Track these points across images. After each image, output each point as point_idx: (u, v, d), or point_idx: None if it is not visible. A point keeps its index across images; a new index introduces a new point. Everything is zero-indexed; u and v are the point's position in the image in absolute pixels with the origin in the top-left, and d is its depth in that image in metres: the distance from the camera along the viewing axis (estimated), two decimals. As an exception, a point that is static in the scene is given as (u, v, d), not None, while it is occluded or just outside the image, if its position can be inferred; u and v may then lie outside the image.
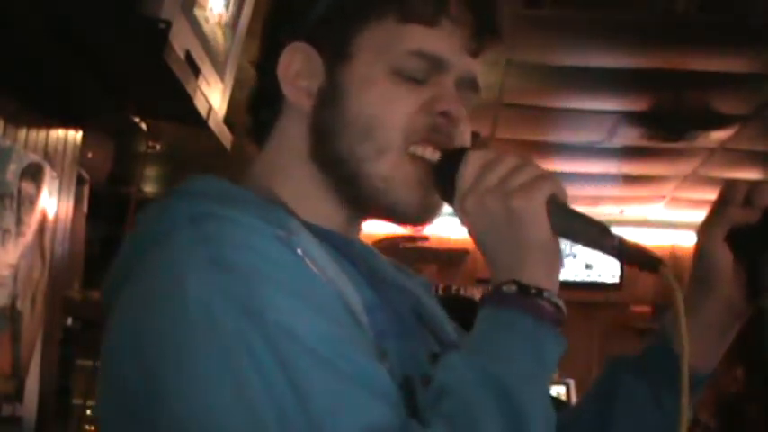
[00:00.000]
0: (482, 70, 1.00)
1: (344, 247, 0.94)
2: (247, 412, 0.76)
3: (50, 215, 2.84)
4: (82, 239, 4.66)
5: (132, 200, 4.31)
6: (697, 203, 6.77)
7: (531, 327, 0.84)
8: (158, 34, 1.96)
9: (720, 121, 5.00)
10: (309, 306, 0.81)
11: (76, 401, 4.90)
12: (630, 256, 0.87)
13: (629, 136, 5.48)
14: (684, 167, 6.09)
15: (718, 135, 5.24)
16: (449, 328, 1.03)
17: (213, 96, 2.55)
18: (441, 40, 0.94)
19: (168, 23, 1.97)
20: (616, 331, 7.63)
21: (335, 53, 0.95)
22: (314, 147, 0.96)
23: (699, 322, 0.97)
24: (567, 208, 0.88)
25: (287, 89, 0.97)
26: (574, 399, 6.12)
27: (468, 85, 0.98)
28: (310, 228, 0.90)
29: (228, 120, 2.76)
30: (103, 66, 2.31)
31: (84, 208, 4.55)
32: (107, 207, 5.27)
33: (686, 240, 7.49)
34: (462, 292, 7.10)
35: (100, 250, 5.69)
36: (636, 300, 7.76)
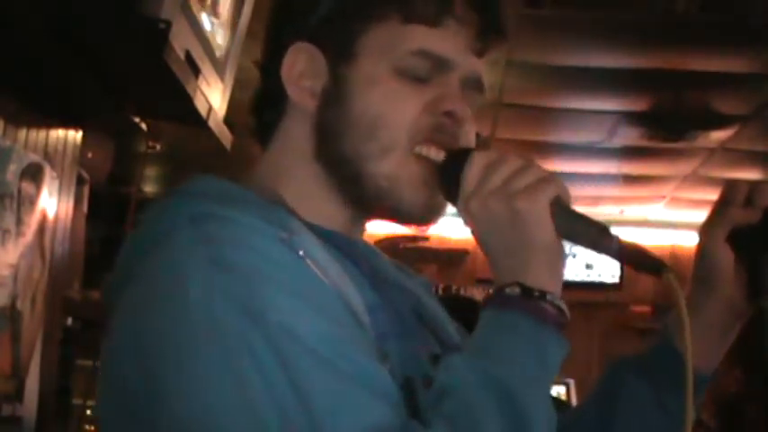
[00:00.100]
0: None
1: (347, 248, 0.94)
2: (248, 412, 0.76)
3: (50, 215, 2.84)
4: (82, 239, 4.66)
5: (132, 200, 4.31)
6: (697, 203, 6.77)
7: (534, 329, 0.84)
8: (158, 34, 1.96)
9: (720, 121, 5.00)
10: (310, 306, 0.81)
11: (76, 401, 4.90)
12: (634, 259, 0.87)
13: (629, 136, 5.47)
14: (684, 167, 6.09)
15: (718, 135, 5.24)
16: (450, 328, 1.03)
17: (213, 96, 2.55)
18: (445, 40, 0.94)
19: (168, 23, 1.97)
20: (616, 331, 7.63)
21: (339, 53, 0.95)
22: (318, 147, 0.96)
23: (701, 323, 0.97)
24: (571, 210, 0.87)
25: (291, 89, 0.97)
26: (574, 399, 6.12)
27: (473, 84, 0.98)
28: (313, 228, 0.90)
29: (228, 120, 2.76)
30: (103, 66, 2.31)
31: (84, 208, 4.55)
32: (107, 207, 5.27)
33: (686, 240, 7.49)
34: (462, 292, 7.10)
35: (100, 250, 5.69)
36: (636, 300, 7.75)
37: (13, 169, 2.55)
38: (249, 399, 0.76)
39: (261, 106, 1.02)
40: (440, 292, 6.79)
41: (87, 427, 5.14)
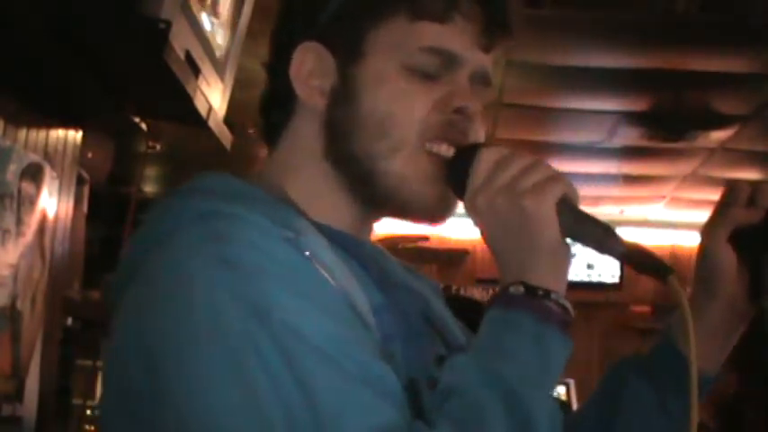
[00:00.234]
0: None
1: (354, 248, 0.94)
2: (254, 411, 0.76)
3: (50, 215, 2.84)
4: (82, 239, 4.66)
5: (132, 200, 4.31)
6: (697, 203, 6.77)
7: (538, 328, 0.84)
8: (158, 34, 1.96)
9: (720, 121, 5.00)
10: (316, 306, 0.81)
11: (76, 401, 4.90)
12: (638, 261, 0.87)
13: (629, 136, 5.48)
14: (684, 167, 6.09)
15: (718, 135, 5.24)
16: (456, 329, 1.03)
17: (213, 96, 2.55)
18: (453, 37, 0.94)
19: (168, 23, 1.97)
20: (616, 331, 7.63)
21: (348, 52, 0.95)
22: (328, 145, 0.96)
23: (703, 324, 0.97)
24: (578, 210, 0.87)
25: (300, 89, 0.96)
26: (574, 399, 6.12)
27: (480, 80, 0.98)
28: (320, 228, 0.90)
29: (228, 120, 2.76)
30: (103, 66, 2.31)
31: (84, 208, 4.55)
32: (107, 207, 5.27)
33: (686, 240, 7.50)
34: (462, 292, 7.09)
35: (100, 250, 5.69)
36: (636, 300, 7.75)
37: (13, 169, 2.55)
38: (254, 398, 0.76)
39: (269, 106, 1.02)
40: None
41: (87, 427, 5.13)
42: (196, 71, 2.31)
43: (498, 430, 0.78)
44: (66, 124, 2.95)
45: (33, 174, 2.70)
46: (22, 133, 2.64)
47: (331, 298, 0.83)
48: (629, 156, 5.95)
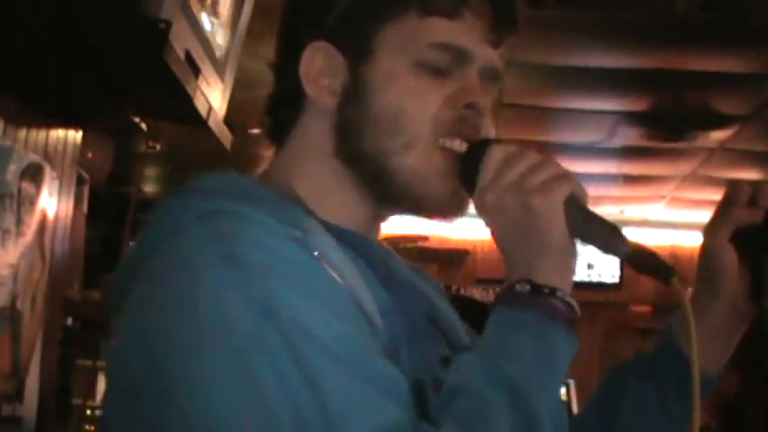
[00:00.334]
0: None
1: (362, 248, 0.94)
2: (261, 411, 0.75)
3: (50, 215, 2.84)
4: (82, 239, 4.66)
5: (132, 200, 4.31)
6: (697, 203, 6.77)
7: (543, 326, 0.84)
8: (158, 34, 1.96)
9: (720, 121, 5.01)
10: (324, 306, 0.80)
11: (76, 401, 4.90)
12: (642, 263, 0.87)
13: (629, 136, 5.48)
14: (684, 167, 6.09)
15: (718, 135, 5.25)
16: (461, 330, 1.02)
17: (213, 96, 2.55)
18: (463, 32, 0.94)
19: (168, 23, 1.97)
20: (616, 331, 7.64)
21: (358, 51, 0.95)
22: (339, 144, 0.96)
23: (705, 324, 0.96)
24: (585, 209, 0.87)
25: (310, 88, 0.96)
26: (574, 398, 6.12)
27: (490, 75, 0.98)
28: (329, 227, 0.90)
29: (228, 120, 2.76)
30: (103, 66, 2.31)
31: (84, 208, 4.55)
32: (107, 207, 5.27)
33: (686, 240, 7.50)
34: (462, 292, 7.10)
35: (100, 250, 5.70)
36: (636, 300, 7.76)
37: (13, 169, 2.55)
38: (261, 397, 0.75)
39: (276, 106, 1.02)
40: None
41: (87, 427, 5.13)
42: (196, 71, 2.31)
43: (503, 429, 0.78)
44: (66, 124, 2.95)
45: (33, 174, 2.70)
46: (22, 133, 2.64)
47: (339, 298, 0.83)
48: (629, 156, 5.95)
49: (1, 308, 2.53)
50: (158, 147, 4.83)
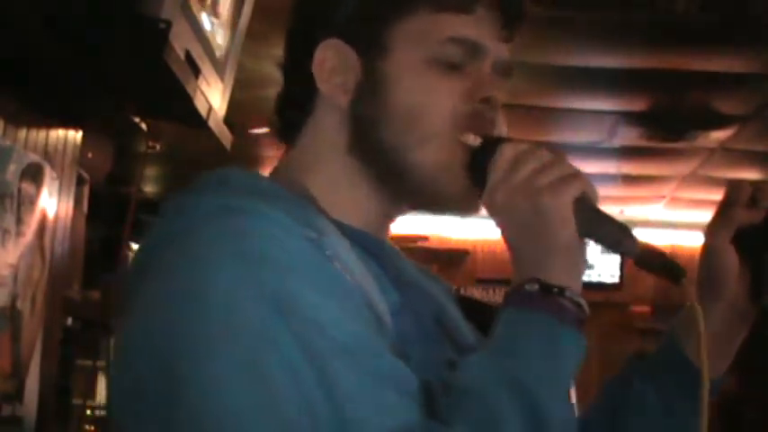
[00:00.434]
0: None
1: (374, 248, 0.94)
2: (274, 410, 0.75)
3: (50, 215, 2.84)
4: (82, 239, 4.66)
5: (132, 200, 4.31)
6: (697, 203, 6.77)
7: (552, 326, 0.84)
8: (158, 34, 1.96)
9: (720, 121, 5.00)
10: (337, 305, 0.80)
11: (76, 401, 4.90)
12: (653, 263, 0.87)
13: (628, 136, 5.48)
14: (684, 167, 6.09)
15: (718, 135, 5.24)
16: (467, 332, 1.02)
17: (213, 96, 2.55)
18: (475, 27, 0.94)
19: (168, 23, 1.97)
20: (616, 331, 7.63)
21: (372, 47, 0.95)
22: (353, 140, 0.96)
23: (708, 326, 0.96)
24: (595, 209, 0.87)
25: (323, 86, 0.96)
26: (573, 398, 6.12)
27: (502, 70, 0.98)
28: (341, 226, 0.90)
29: (228, 120, 2.76)
30: (103, 66, 2.31)
31: (84, 208, 4.55)
32: (107, 207, 5.26)
33: (686, 240, 7.50)
34: (462, 291, 7.09)
35: (100, 250, 5.69)
36: (636, 300, 7.76)
37: (13, 169, 2.55)
38: (274, 396, 0.75)
39: (287, 105, 1.01)
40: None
41: (87, 427, 5.13)
42: (196, 71, 2.31)
43: (513, 429, 0.78)
44: (66, 124, 2.96)
45: (33, 174, 2.70)
46: (22, 133, 2.65)
47: (351, 298, 0.83)
48: (629, 156, 5.95)
49: (1, 308, 2.53)
50: (158, 147, 4.82)
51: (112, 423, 0.87)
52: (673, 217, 7.52)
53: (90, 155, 3.79)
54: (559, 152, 0.89)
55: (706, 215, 1.01)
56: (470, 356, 0.85)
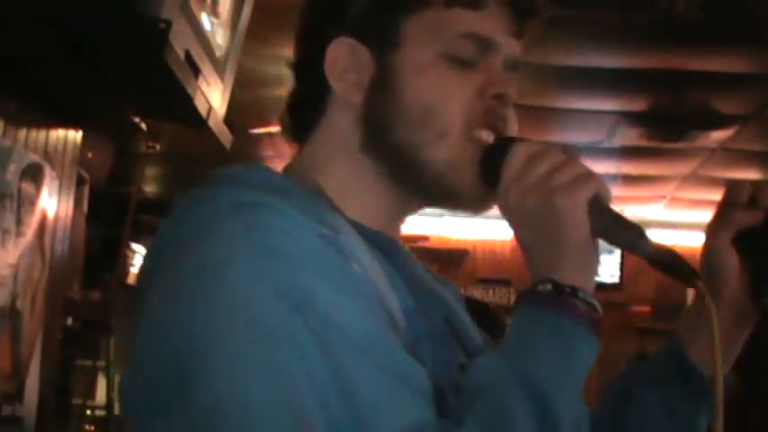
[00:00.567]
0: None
1: (388, 248, 0.94)
2: (289, 405, 0.74)
3: (50, 215, 2.84)
4: (82, 239, 4.66)
5: (132, 200, 4.31)
6: (697, 203, 6.77)
7: (565, 327, 0.84)
8: (158, 34, 1.96)
9: (720, 121, 5.00)
10: (352, 302, 0.80)
11: (76, 401, 4.90)
12: (667, 264, 0.87)
13: (629, 136, 5.48)
14: (684, 167, 6.09)
15: (718, 135, 5.24)
16: (476, 335, 1.02)
17: (213, 96, 2.55)
18: (488, 23, 0.94)
19: (168, 23, 1.97)
20: (616, 331, 7.63)
21: (384, 44, 0.94)
22: (367, 138, 0.95)
23: (709, 326, 0.96)
24: (608, 209, 0.87)
25: (336, 84, 0.96)
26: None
27: (512, 66, 0.98)
28: (355, 226, 0.90)
29: (228, 120, 2.76)
30: (103, 66, 2.31)
31: (84, 208, 4.56)
32: (107, 207, 5.27)
33: (686, 240, 7.50)
34: (462, 291, 7.09)
35: (100, 250, 5.70)
36: (636, 300, 7.76)
37: (13, 169, 2.56)
38: (290, 391, 0.75)
39: (299, 103, 1.01)
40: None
41: (87, 426, 5.14)
42: (196, 71, 2.31)
43: (525, 429, 0.77)
44: (66, 124, 2.96)
45: (33, 174, 2.70)
46: (22, 133, 2.65)
47: (365, 296, 0.83)
48: (629, 156, 5.95)
49: (1, 308, 2.53)
50: (158, 147, 4.82)
51: (126, 416, 0.87)
52: (673, 217, 7.52)
53: (90, 155, 3.79)
54: (573, 152, 0.88)
55: (706, 215, 1.01)
56: (481, 357, 0.85)
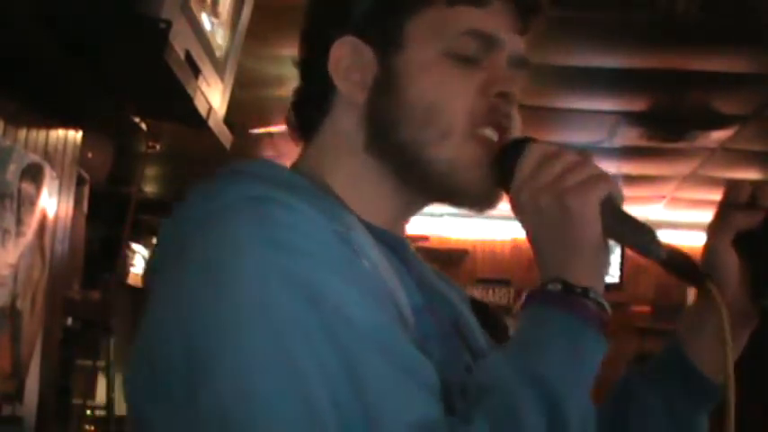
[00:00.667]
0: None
1: (396, 246, 0.94)
2: (300, 397, 0.75)
3: (50, 215, 2.84)
4: (82, 239, 4.66)
5: (132, 200, 4.31)
6: (697, 203, 6.77)
7: (575, 326, 0.84)
8: (158, 34, 1.96)
9: (720, 121, 5.00)
10: (363, 297, 0.80)
11: (76, 401, 4.90)
12: (678, 267, 0.87)
13: (629, 136, 5.47)
14: (684, 167, 6.09)
15: (718, 135, 5.24)
16: (481, 336, 1.02)
17: (213, 96, 2.55)
18: (491, 20, 0.94)
19: (168, 23, 1.97)
20: (616, 331, 7.63)
21: (387, 43, 0.95)
22: (371, 137, 0.96)
23: (712, 330, 0.96)
24: (620, 210, 0.87)
25: (340, 83, 0.96)
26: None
27: (517, 63, 0.98)
28: (364, 224, 0.90)
29: (228, 120, 2.76)
30: (103, 66, 2.31)
31: (84, 208, 4.56)
32: (107, 207, 5.27)
33: (686, 240, 7.50)
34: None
35: (100, 250, 5.70)
36: (636, 300, 7.75)
37: (13, 169, 2.56)
38: (301, 383, 0.75)
39: (304, 103, 1.01)
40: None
41: (87, 426, 5.14)
42: (196, 71, 2.31)
43: (533, 428, 0.78)
44: (66, 124, 2.96)
45: (33, 174, 2.70)
46: (22, 133, 2.65)
47: (376, 292, 0.83)
48: (629, 156, 5.95)
49: (1, 308, 2.53)
50: (158, 147, 4.83)
51: (132, 411, 0.86)
52: (673, 217, 7.52)
53: (90, 155, 3.79)
54: (586, 153, 0.88)
55: (706, 215, 1.01)
56: (492, 355, 0.85)
